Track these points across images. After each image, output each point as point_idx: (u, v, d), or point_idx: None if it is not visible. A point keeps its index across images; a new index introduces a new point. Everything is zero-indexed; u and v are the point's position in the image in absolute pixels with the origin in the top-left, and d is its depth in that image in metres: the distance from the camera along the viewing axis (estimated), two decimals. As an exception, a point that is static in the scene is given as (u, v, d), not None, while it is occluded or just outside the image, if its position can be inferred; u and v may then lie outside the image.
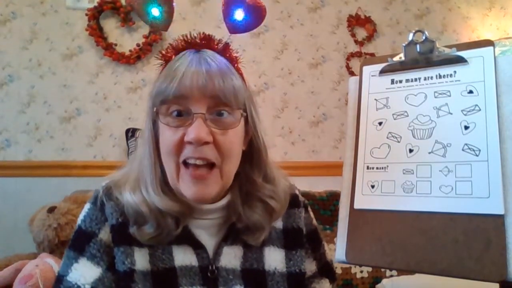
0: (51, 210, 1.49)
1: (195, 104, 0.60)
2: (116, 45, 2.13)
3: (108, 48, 2.10)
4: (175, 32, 0.70)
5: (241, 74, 0.67)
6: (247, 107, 0.66)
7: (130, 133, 2.03)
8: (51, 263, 1.26)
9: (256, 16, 0.68)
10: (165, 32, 2.13)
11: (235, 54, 0.67)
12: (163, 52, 0.66)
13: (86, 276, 0.60)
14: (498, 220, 0.52)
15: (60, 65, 2.09)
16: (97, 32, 2.08)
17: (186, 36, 0.65)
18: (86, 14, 2.07)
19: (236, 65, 0.67)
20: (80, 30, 2.11)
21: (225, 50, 0.66)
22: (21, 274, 1.22)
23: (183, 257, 0.64)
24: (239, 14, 0.67)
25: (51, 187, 1.94)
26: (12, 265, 1.28)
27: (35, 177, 2.00)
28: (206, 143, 0.59)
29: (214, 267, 0.65)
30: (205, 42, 0.65)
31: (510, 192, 0.53)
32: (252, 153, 0.69)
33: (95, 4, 2.09)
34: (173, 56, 0.65)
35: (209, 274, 0.64)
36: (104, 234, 0.64)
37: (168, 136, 0.61)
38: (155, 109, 0.62)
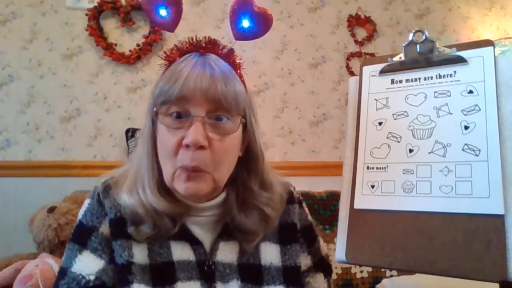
0: (51, 210, 1.49)
1: (195, 106, 0.60)
2: (116, 45, 2.13)
3: (108, 48, 2.10)
4: (174, 32, 0.70)
5: (243, 81, 0.67)
6: (246, 114, 0.67)
7: (130, 133, 2.03)
8: (51, 263, 1.26)
9: (263, 24, 0.68)
10: (164, 32, 2.14)
11: (238, 60, 0.68)
12: (168, 52, 0.66)
13: (90, 267, 0.62)
14: (498, 220, 0.52)
15: (60, 65, 2.09)
16: (97, 32, 2.08)
17: (192, 38, 0.66)
18: (86, 14, 2.07)
19: (238, 71, 0.67)
20: (80, 30, 2.11)
21: (229, 56, 0.66)
22: (21, 274, 1.21)
23: (181, 252, 0.66)
24: (245, 22, 0.67)
25: (51, 187, 1.94)
26: (12, 265, 1.27)
27: (35, 177, 1.99)
28: (202, 147, 0.60)
29: (211, 262, 0.66)
30: (210, 46, 0.66)
31: (510, 192, 0.53)
32: (249, 159, 0.70)
33: (95, 4, 2.09)
34: (177, 57, 0.65)
35: (206, 269, 0.66)
36: (105, 228, 0.65)
37: (166, 138, 0.62)
38: (155, 109, 0.63)
